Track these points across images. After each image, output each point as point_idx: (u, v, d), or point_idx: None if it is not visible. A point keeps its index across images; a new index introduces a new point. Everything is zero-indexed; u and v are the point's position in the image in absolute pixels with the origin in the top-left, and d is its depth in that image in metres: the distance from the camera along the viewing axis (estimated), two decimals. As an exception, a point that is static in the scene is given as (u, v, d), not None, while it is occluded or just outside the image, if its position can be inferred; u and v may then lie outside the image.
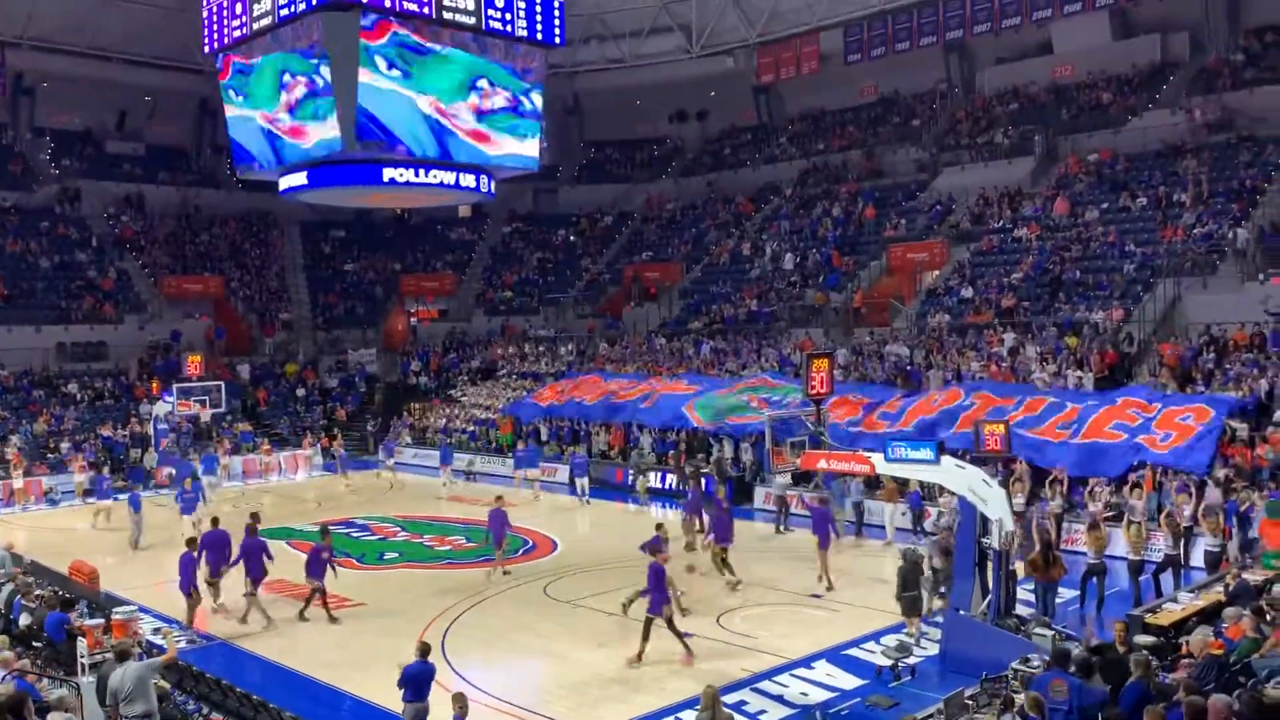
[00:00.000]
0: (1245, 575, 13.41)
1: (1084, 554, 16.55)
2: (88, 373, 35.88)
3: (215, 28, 20.49)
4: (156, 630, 14.75)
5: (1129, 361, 24.55)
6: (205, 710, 11.57)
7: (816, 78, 42.78)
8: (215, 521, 17.74)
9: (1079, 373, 23.90)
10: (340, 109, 18.50)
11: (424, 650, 11.03)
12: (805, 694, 12.82)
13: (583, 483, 27.03)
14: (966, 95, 40.77)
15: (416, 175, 20.39)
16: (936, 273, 33.21)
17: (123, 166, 44.38)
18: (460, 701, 9.62)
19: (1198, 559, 16.93)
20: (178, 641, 13.21)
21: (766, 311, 34.71)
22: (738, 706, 12.11)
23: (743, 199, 43.22)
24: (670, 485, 27.10)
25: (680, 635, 13.72)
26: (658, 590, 13.72)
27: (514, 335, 41.78)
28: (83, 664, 10.79)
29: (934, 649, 13.92)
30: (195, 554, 15.89)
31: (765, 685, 13.08)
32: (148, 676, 9.83)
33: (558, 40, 20.58)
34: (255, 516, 17.32)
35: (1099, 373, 23.78)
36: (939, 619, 14.40)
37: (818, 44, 42.04)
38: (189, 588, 15.71)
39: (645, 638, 13.75)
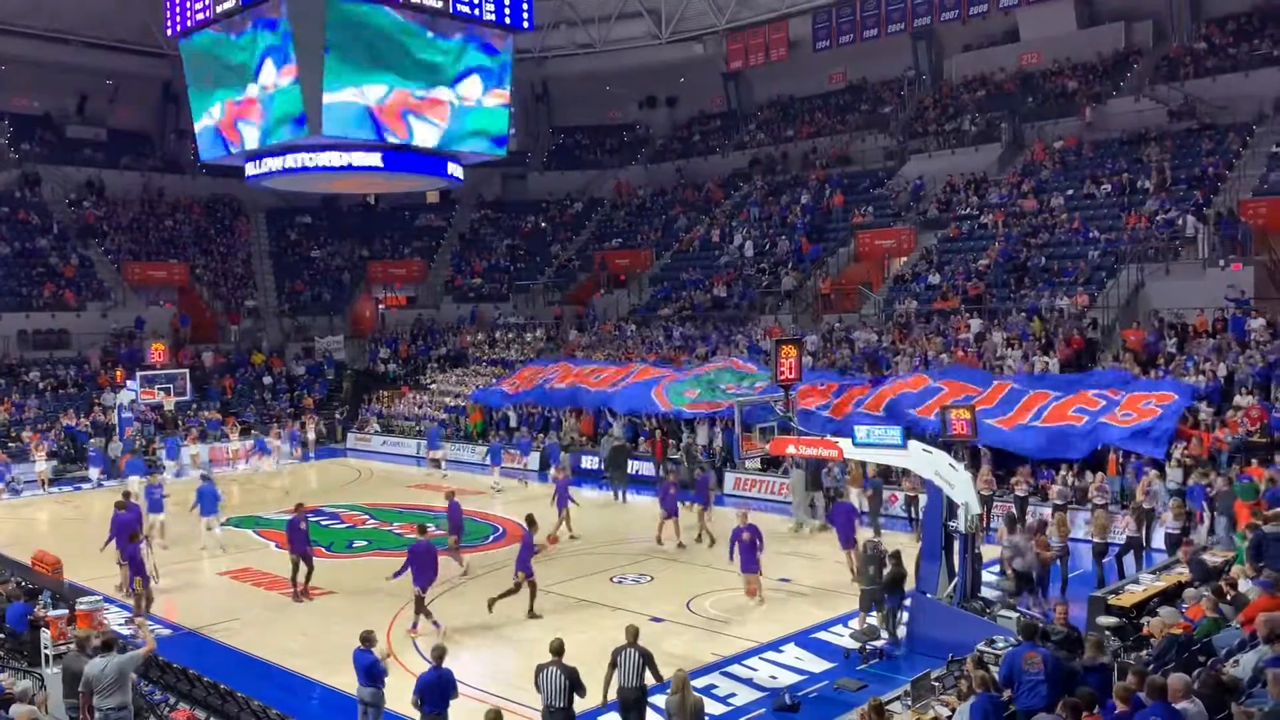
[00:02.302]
0: (1204, 556, 13.62)
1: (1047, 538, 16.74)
2: (50, 361, 35.39)
3: (177, 10, 20.13)
4: (128, 620, 14.65)
5: (1094, 347, 24.83)
6: (172, 700, 11.48)
7: (785, 64, 42.91)
8: (127, 495, 18.08)
9: (1045, 358, 24.14)
10: (306, 90, 18.19)
11: (367, 639, 11.05)
12: (774, 677, 12.92)
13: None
14: (934, 82, 40.98)
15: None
16: (904, 259, 33.41)
17: (84, 151, 43.69)
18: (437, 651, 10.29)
19: (1159, 541, 17.20)
20: (153, 633, 13.10)
21: (748, 294, 34.66)
22: (707, 690, 12.18)
23: (712, 185, 43.23)
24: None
25: (426, 613, 14.63)
26: (418, 569, 14.61)
27: (484, 322, 41.64)
28: (47, 655, 10.69)
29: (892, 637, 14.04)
30: (142, 544, 15.59)
31: (734, 669, 13.18)
32: (128, 669, 9.75)
33: (526, 24, 20.39)
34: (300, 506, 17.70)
35: (1065, 358, 24.03)
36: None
37: (786, 31, 42.16)
38: (142, 579, 15.45)
39: (422, 612, 14.66)
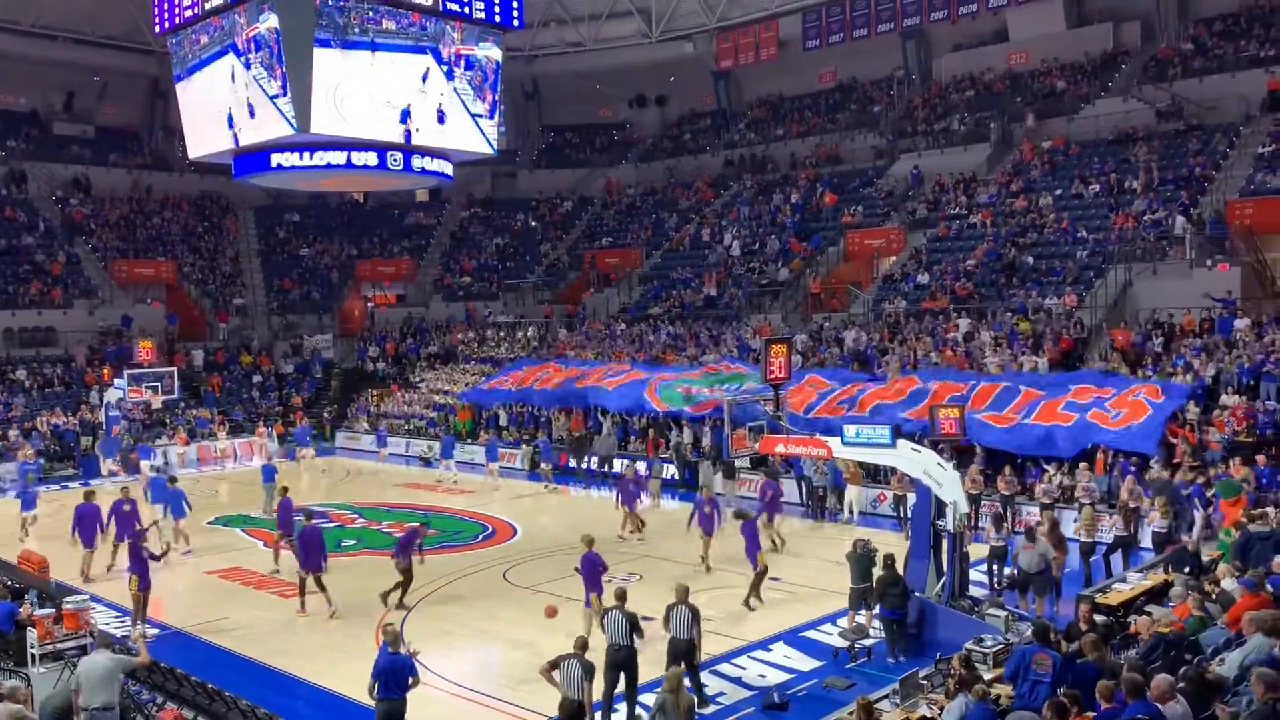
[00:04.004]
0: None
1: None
2: (36, 359, 35.20)
3: (165, 7, 20.07)
4: (126, 636, 14.57)
5: (1081, 346, 24.92)
6: (160, 700, 11.45)
7: (775, 64, 43.00)
8: (89, 495, 18.22)
9: (1034, 358, 24.21)
10: (294, 88, 18.16)
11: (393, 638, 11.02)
12: (763, 676, 12.94)
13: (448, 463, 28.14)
14: (923, 82, 41.09)
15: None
16: (893, 259, 33.48)
17: (71, 148, 43.48)
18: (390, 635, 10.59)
19: (1146, 540, 17.27)
20: (145, 637, 13.14)
21: (744, 290, 34.68)
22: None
23: (702, 184, 43.26)
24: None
25: (322, 588, 15.54)
26: (306, 552, 15.52)
27: (474, 320, 41.58)
28: (33, 654, 10.64)
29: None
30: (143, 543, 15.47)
31: (723, 667, 13.18)
32: (116, 671, 9.79)
33: (516, 23, 20.40)
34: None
35: (1053, 358, 24.10)
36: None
37: (776, 30, 42.24)
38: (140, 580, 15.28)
39: (307, 594, 15.63)
